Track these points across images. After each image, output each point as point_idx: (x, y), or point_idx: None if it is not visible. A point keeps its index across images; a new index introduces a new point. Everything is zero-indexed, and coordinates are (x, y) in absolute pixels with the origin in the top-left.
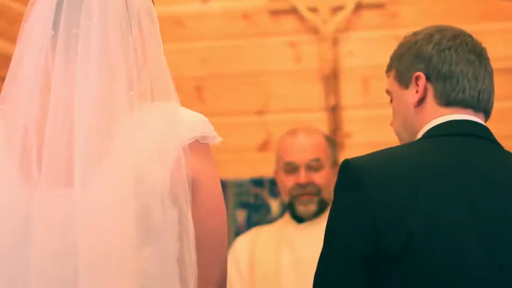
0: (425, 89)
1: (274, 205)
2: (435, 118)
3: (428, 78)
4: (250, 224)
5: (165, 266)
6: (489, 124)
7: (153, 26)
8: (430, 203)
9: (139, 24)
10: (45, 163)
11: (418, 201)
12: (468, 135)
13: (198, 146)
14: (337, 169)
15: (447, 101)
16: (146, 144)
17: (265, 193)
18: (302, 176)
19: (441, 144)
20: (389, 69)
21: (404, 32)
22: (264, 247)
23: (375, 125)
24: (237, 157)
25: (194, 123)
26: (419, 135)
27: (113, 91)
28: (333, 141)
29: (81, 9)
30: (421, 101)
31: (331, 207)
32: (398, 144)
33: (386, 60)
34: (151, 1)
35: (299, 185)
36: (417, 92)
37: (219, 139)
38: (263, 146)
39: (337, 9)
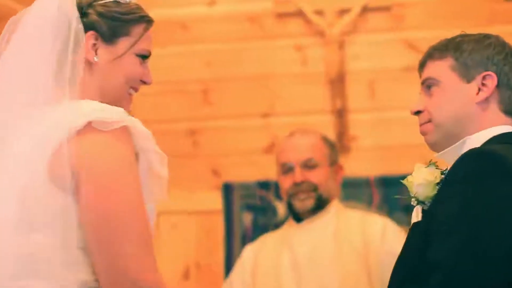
0: (493, 91)
1: (280, 208)
2: (499, 124)
3: (497, 82)
4: (256, 226)
5: (60, 252)
6: None
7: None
8: None
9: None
10: None
11: None
12: None
13: (89, 133)
14: (336, 169)
15: (509, 110)
16: (36, 137)
17: (271, 195)
18: (297, 175)
19: None
20: (440, 56)
21: (410, 34)
22: (267, 252)
23: (381, 128)
24: (243, 160)
25: (85, 111)
26: (478, 135)
27: (30, 89)
28: (330, 141)
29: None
30: (485, 101)
31: (464, 192)
32: (402, 146)
33: (392, 63)
34: (76, 10)
35: (295, 184)
36: (480, 90)
37: (122, 124)
38: (269, 149)
39: (343, 12)
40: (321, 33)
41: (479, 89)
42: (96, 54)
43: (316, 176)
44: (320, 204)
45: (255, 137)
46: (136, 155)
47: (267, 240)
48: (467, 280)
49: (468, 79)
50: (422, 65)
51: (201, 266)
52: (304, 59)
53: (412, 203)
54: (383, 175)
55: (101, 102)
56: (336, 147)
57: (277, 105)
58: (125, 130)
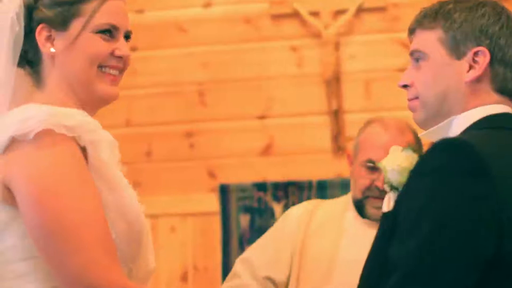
0: (485, 69)
1: (278, 209)
2: (490, 103)
3: (490, 58)
4: (253, 228)
5: None
6: None
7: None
8: None
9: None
10: None
11: None
12: None
13: (14, 146)
14: None
15: (502, 89)
16: None
17: (268, 197)
18: (383, 180)
19: None
20: (429, 25)
21: (405, 35)
22: (321, 225)
23: None
24: (239, 162)
25: (6, 125)
26: (466, 114)
27: None
28: (418, 137)
29: None
30: (476, 79)
31: (429, 187)
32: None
33: (387, 64)
34: (21, 10)
35: (376, 188)
36: (471, 67)
37: (40, 129)
38: (266, 150)
39: (338, 13)
40: (316, 34)
41: (470, 67)
42: (53, 45)
43: None
44: None
45: (251, 138)
46: (84, 149)
47: (322, 207)
48: (425, 283)
49: (458, 55)
50: (411, 32)
51: (199, 269)
52: (300, 60)
53: (385, 189)
54: None
55: (73, 91)
56: (422, 145)
57: (273, 106)
58: (49, 134)
